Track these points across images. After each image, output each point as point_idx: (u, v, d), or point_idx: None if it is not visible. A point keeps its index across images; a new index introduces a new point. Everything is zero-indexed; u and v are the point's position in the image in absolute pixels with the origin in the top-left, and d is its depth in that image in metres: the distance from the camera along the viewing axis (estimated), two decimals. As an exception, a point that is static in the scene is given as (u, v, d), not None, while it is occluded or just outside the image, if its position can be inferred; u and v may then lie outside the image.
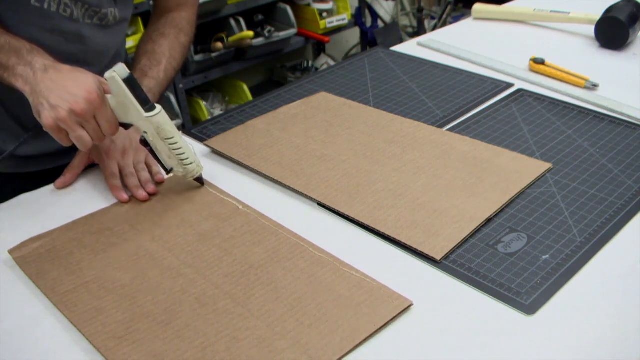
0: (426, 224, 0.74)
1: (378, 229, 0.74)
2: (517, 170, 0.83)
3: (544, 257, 0.69)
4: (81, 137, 0.75)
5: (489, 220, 0.75)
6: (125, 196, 0.83)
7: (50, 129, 0.74)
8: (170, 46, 0.96)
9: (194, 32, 1.02)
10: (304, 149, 0.91)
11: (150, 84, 0.91)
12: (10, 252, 0.75)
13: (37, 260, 0.73)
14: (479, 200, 0.77)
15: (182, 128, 1.06)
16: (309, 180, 0.84)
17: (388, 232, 0.74)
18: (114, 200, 0.84)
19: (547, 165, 0.84)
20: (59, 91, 0.73)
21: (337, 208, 0.79)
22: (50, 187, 0.89)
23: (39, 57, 0.76)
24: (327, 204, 0.79)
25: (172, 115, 2.36)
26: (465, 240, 0.72)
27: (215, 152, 0.94)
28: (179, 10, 1.01)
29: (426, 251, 0.70)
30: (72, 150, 0.84)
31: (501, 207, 0.77)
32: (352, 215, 0.77)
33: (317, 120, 0.99)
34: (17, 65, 0.76)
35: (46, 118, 0.73)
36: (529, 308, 0.63)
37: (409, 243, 0.72)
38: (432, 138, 0.92)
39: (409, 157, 0.87)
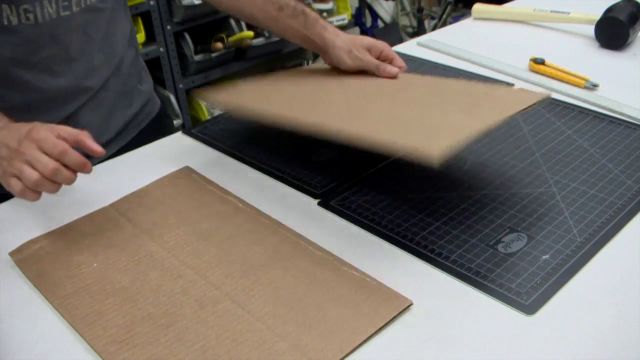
0: (423, 128, 0.75)
1: (379, 137, 0.70)
2: (514, 97, 0.84)
3: (544, 257, 0.69)
4: (22, 171, 0.68)
5: (486, 220, 0.75)
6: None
7: (3, 180, 0.71)
8: None
9: None
10: (296, 94, 0.92)
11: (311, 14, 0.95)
12: (11, 254, 0.75)
13: (38, 262, 0.73)
14: (475, 117, 0.76)
15: (182, 128, 1.06)
16: (302, 107, 0.85)
17: (390, 137, 0.70)
18: (114, 200, 0.84)
19: (546, 94, 0.84)
20: (5, 144, 0.71)
21: (334, 127, 0.74)
22: (51, 187, 0.89)
23: None
24: (327, 126, 0.74)
25: (172, 115, 2.36)
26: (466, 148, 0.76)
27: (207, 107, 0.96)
28: None
29: (423, 149, 0.64)
30: None
31: (505, 119, 0.75)
32: (350, 130, 0.72)
33: (308, 78, 0.99)
34: None
35: None
36: (529, 308, 0.63)
37: (407, 143, 0.68)
38: (427, 79, 0.96)
39: (402, 95, 0.88)
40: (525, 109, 0.78)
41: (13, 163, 0.69)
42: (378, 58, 0.95)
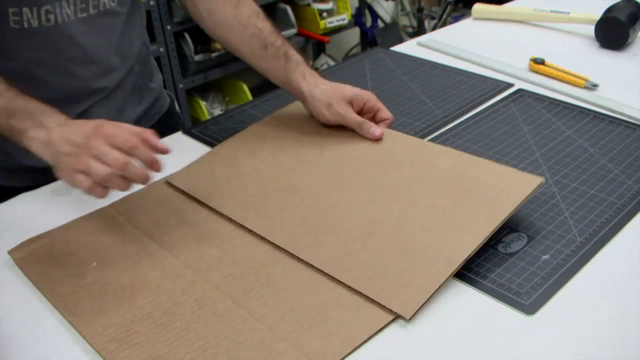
0: (398, 270, 0.66)
1: (344, 280, 0.67)
2: (505, 189, 0.73)
3: (544, 257, 0.69)
4: (90, 166, 0.67)
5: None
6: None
7: (68, 176, 0.69)
8: (250, 10, 0.92)
9: None
10: (271, 179, 0.83)
11: (293, 52, 0.90)
12: (10, 252, 0.75)
13: (37, 261, 0.73)
14: (458, 236, 0.69)
15: (182, 128, 1.06)
16: (272, 221, 0.76)
17: (355, 285, 0.66)
18: (114, 200, 0.84)
19: (539, 180, 0.73)
20: (70, 136, 0.70)
21: (300, 255, 0.71)
22: (51, 187, 0.89)
23: (50, 117, 0.73)
24: (290, 250, 0.72)
25: (172, 115, 2.36)
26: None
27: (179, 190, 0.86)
28: None
29: (395, 309, 0.62)
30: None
31: (482, 241, 0.68)
32: (315, 264, 0.69)
33: (287, 141, 0.90)
34: (30, 129, 0.72)
35: (63, 167, 0.69)
36: (529, 308, 0.63)
37: (377, 298, 0.64)
38: (412, 153, 0.83)
39: (383, 180, 0.79)
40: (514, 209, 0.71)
41: (80, 158, 0.68)
42: (362, 109, 0.88)
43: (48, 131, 0.71)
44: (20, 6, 0.81)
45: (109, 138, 0.68)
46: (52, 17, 0.83)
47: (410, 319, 0.62)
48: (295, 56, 0.90)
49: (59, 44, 0.87)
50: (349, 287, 0.66)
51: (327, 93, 0.87)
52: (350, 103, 0.87)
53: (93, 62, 0.92)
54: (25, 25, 0.82)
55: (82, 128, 0.71)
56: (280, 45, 0.90)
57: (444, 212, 0.72)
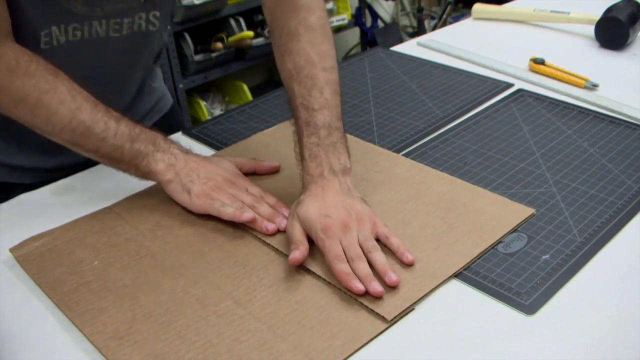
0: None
1: (331, 281, 0.67)
2: (496, 216, 0.75)
3: (544, 257, 0.70)
4: (232, 200, 0.78)
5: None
6: (360, 287, 0.65)
7: (201, 199, 0.78)
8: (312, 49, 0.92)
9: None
10: (270, 186, 0.84)
11: (324, 118, 0.79)
12: (12, 250, 0.75)
13: (38, 259, 0.74)
14: (446, 254, 0.70)
15: (182, 128, 1.06)
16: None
17: (341, 286, 0.67)
18: (115, 200, 0.84)
19: (530, 211, 0.76)
20: (205, 170, 0.80)
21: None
22: (50, 187, 0.89)
23: (170, 143, 0.82)
24: (283, 251, 0.72)
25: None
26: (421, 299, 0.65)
27: None
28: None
29: (377, 310, 0.63)
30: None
31: (469, 262, 0.69)
32: (305, 264, 0.70)
33: (287, 152, 0.86)
34: (156, 152, 0.80)
35: (197, 190, 0.78)
36: (529, 308, 0.63)
37: (359, 299, 0.65)
38: (408, 175, 0.84)
39: (378, 198, 0.80)
40: (503, 235, 0.73)
41: (220, 193, 0.78)
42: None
43: (175, 156, 0.81)
44: (50, 26, 0.82)
45: (246, 186, 0.81)
46: (78, 33, 0.85)
47: (390, 320, 0.62)
48: (306, 139, 0.80)
49: (81, 56, 0.87)
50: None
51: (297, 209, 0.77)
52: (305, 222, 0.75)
53: (109, 74, 0.93)
54: (55, 43, 0.83)
55: (215, 168, 0.81)
56: (298, 127, 0.81)
57: (434, 232, 0.74)
